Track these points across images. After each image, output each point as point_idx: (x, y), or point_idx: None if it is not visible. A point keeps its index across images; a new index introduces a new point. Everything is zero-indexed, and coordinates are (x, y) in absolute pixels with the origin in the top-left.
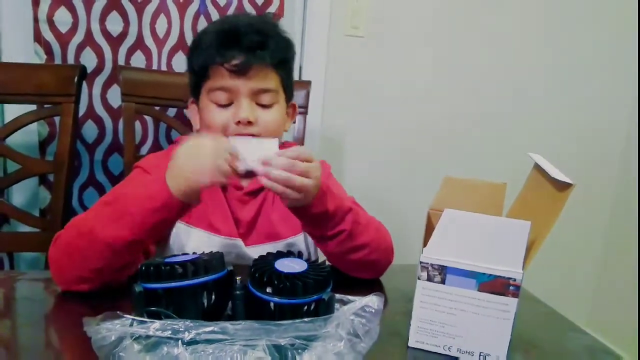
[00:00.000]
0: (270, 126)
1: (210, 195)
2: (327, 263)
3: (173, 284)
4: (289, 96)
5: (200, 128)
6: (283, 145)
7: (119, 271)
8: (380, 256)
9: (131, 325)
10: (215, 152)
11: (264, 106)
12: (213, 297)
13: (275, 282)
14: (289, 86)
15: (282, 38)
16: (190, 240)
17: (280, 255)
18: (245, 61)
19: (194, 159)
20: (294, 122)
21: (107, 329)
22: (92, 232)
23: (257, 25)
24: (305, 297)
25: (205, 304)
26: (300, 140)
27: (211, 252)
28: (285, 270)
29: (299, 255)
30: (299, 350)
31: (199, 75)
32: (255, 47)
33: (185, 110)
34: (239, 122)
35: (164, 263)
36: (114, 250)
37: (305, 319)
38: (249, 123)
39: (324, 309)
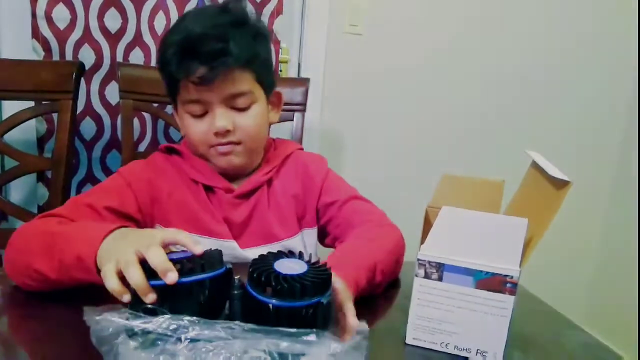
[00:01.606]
0: (250, 130)
1: (197, 199)
2: (328, 266)
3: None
4: (268, 87)
5: (185, 134)
6: (276, 143)
7: (55, 289)
8: (401, 256)
9: (130, 319)
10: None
11: (240, 109)
12: (210, 295)
13: (273, 284)
14: (267, 78)
15: (245, 35)
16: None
17: (280, 255)
18: (208, 72)
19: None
20: (281, 114)
21: (107, 321)
22: (31, 254)
23: (214, 31)
24: (303, 300)
25: (202, 301)
26: (298, 138)
27: (210, 249)
28: (284, 272)
29: (300, 255)
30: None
31: (170, 88)
32: (217, 55)
33: None
34: (217, 133)
35: None
36: (43, 279)
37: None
38: (227, 132)
39: (322, 313)
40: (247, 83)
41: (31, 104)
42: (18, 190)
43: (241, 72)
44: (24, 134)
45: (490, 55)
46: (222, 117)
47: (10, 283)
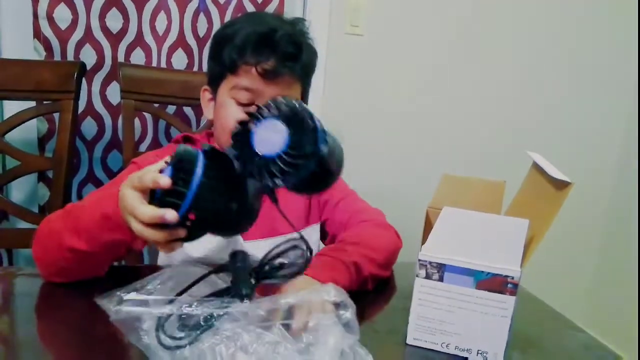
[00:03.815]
0: None
1: None
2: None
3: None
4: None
5: (215, 120)
6: None
7: (91, 271)
8: (393, 256)
9: (149, 304)
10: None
11: None
12: (217, 185)
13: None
14: (306, 95)
15: (311, 51)
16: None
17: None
18: (277, 68)
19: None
20: None
21: (127, 310)
22: (59, 235)
23: (294, 36)
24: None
25: (217, 195)
26: None
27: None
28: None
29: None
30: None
31: (225, 68)
32: (289, 57)
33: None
34: None
35: None
36: (78, 256)
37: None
38: None
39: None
40: (296, 92)
41: (32, 104)
42: (19, 190)
43: (297, 81)
44: (25, 133)
45: (491, 55)
46: None
47: (11, 282)
